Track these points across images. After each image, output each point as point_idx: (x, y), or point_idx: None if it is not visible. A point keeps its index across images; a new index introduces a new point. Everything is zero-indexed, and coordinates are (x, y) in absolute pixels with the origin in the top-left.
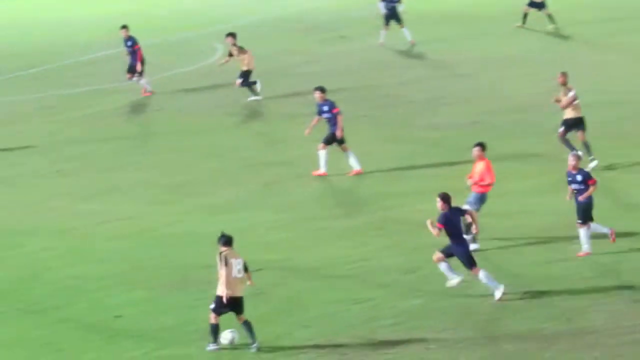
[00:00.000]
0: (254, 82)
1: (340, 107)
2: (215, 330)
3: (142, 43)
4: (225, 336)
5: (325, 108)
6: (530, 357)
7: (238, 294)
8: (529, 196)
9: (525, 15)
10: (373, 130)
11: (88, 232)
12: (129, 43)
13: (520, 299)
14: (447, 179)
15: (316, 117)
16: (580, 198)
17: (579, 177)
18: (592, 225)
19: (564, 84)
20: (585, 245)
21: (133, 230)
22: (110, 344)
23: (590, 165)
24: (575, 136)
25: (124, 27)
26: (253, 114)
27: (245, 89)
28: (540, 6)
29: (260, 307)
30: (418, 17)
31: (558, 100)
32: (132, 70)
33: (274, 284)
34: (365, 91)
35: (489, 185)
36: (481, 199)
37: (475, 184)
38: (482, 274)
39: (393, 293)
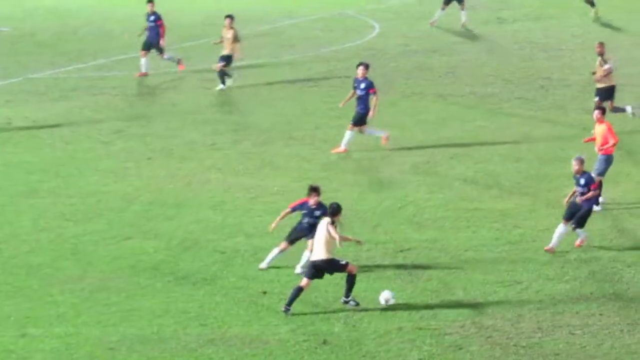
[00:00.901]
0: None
1: (495, 89)
2: (295, 292)
3: (302, 19)
4: (383, 295)
5: (362, 85)
6: None
7: (318, 257)
8: None
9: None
10: (527, 112)
11: (239, 206)
12: (152, 18)
13: None
14: None
15: (352, 91)
16: (578, 200)
17: (582, 181)
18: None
19: (601, 54)
20: (554, 241)
21: (284, 206)
22: (256, 320)
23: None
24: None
25: (150, 1)
26: (403, 92)
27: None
28: None
29: (407, 287)
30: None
31: (594, 73)
32: (148, 47)
33: (422, 264)
34: (520, 73)
35: (613, 145)
36: (607, 161)
37: (600, 147)
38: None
39: (540, 277)
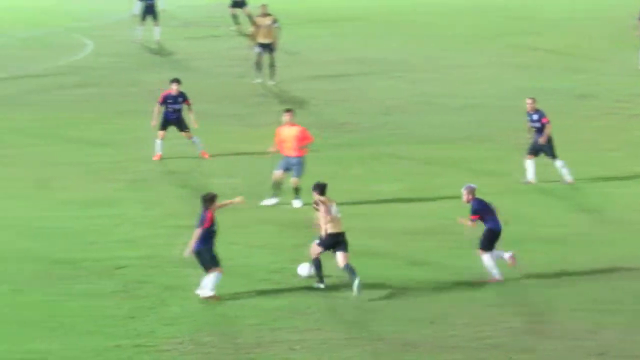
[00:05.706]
0: None
1: (209, 105)
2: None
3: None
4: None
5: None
6: (392, 358)
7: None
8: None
9: (234, 17)
10: (242, 130)
11: None
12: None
13: (384, 301)
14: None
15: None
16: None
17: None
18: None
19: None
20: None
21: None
22: None
23: None
24: None
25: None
26: (117, 110)
27: None
28: (242, 5)
29: (123, 304)
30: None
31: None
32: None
33: (137, 281)
34: (238, 90)
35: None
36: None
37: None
38: None
39: (257, 293)
